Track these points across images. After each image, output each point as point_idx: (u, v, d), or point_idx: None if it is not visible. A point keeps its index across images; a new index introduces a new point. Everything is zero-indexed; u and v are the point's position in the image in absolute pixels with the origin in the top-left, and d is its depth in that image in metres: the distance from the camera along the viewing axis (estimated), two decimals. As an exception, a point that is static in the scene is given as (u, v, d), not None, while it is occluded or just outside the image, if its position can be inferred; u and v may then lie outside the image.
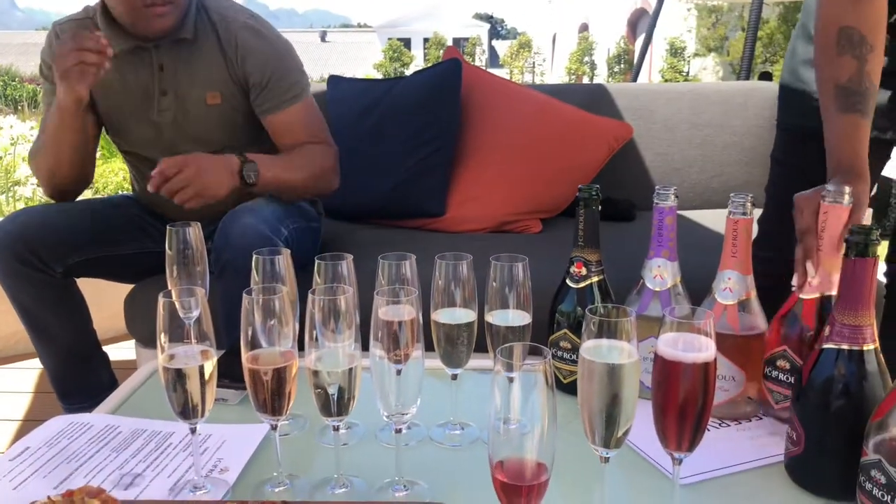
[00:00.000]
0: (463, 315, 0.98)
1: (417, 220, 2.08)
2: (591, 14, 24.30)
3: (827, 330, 0.83)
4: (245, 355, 0.83)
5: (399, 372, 0.88)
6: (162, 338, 0.83)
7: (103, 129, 1.77)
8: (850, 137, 1.14)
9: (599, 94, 2.36)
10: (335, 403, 0.83)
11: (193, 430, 0.86)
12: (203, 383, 0.83)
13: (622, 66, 22.36)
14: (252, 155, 1.60)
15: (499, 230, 2.05)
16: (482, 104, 2.15)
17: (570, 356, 1.10)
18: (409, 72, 16.30)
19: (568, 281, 1.12)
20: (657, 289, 1.07)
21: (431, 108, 2.07)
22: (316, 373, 0.83)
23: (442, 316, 0.98)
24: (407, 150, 2.05)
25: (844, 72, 1.14)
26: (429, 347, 0.98)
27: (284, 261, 1.02)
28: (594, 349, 0.75)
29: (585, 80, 20.35)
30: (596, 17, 23.42)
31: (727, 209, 1.01)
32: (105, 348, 1.77)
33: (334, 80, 2.31)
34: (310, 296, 0.84)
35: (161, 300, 0.83)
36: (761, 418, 1.05)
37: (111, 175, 3.85)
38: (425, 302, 0.95)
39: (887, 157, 1.38)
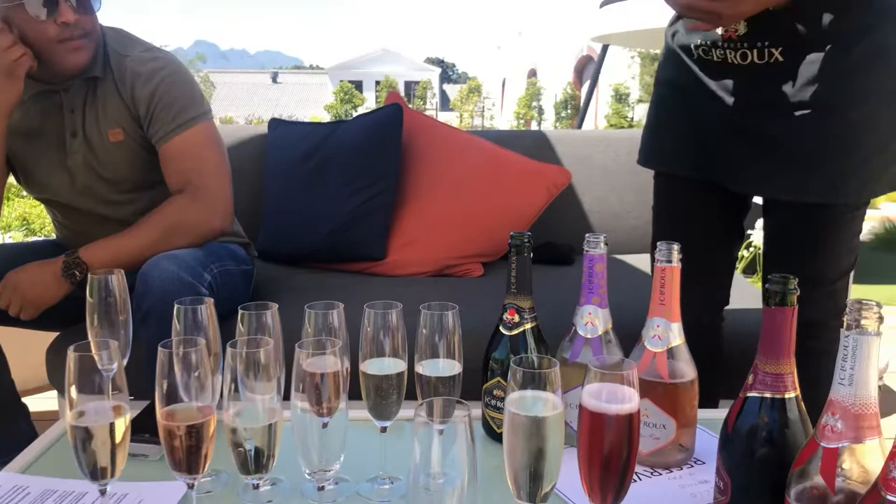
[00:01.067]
0: (392, 365, 0.96)
1: (358, 263, 2.06)
2: (539, 60, 24.90)
3: (750, 378, 0.84)
4: (160, 411, 0.80)
5: (324, 425, 0.85)
6: (72, 392, 0.79)
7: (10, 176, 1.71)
8: None
9: (541, 140, 2.39)
10: (253, 461, 0.80)
11: (103, 492, 0.81)
12: (113, 443, 0.79)
13: (569, 111, 22.88)
14: (87, 247, 1.53)
15: (440, 274, 2.05)
16: (424, 149, 2.16)
17: (504, 405, 1.09)
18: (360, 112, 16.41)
19: (501, 328, 1.11)
20: (589, 336, 1.07)
21: (372, 153, 2.07)
22: (234, 429, 0.80)
23: (370, 367, 0.96)
24: (347, 194, 2.04)
25: None
26: (359, 397, 0.96)
27: (207, 310, 0.99)
28: (519, 401, 0.74)
29: (533, 125, 20.75)
30: (544, 64, 24.01)
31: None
32: (31, 398, 1.69)
33: (275, 123, 2.30)
34: (228, 349, 0.82)
35: (70, 354, 0.79)
36: (693, 466, 1.05)
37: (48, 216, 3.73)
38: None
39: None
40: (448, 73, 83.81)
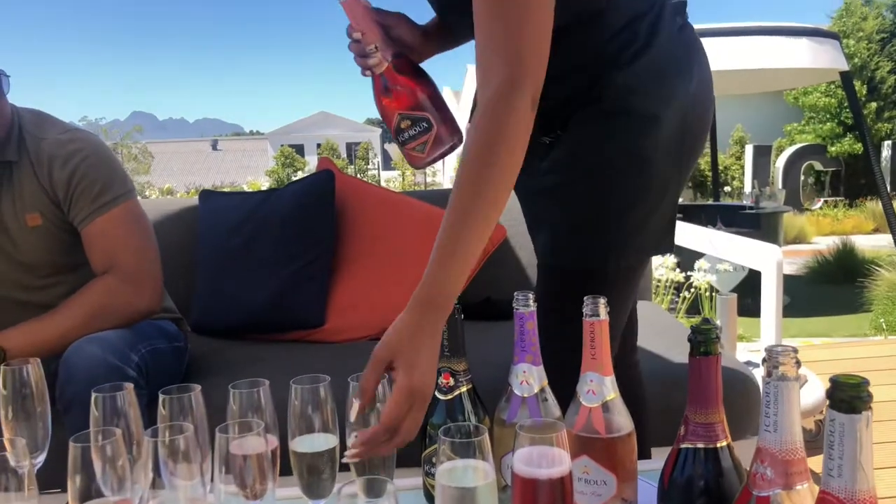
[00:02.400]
0: (323, 441, 0.93)
1: (296, 332, 2.02)
2: (476, 116, 25.42)
3: (682, 430, 0.84)
4: (71, 509, 0.75)
5: (251, 511, 0.81)
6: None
7: None
8: None
9: (474, 196, 2.41)
10: (174, 557, 0.76)
11: None
12: (20, 547, 0.74)
13: (510, 163, 23.08)
14: (4, 332, 1.47)
15: (380, 337, 2.01)
16: (358, 212, 2.15)
17: (443, 472, 1.06)
18: (299, 176, 16.40)
19: (437, 393, 1.09)
20: (524, 395, 1.06)
21: (305, 219, 2.05)
22: (153, 524, 0.76)
23: (300, 444, 0.93)
24: (281, 262, 2.01)
25: None
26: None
27: (127, 396, 0.94)
28: (449, 472, 0.73)
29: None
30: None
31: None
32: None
33: (205, 195, 2.27)
34: (146, 437, 0.78)
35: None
36: (637, 520, 1.03)
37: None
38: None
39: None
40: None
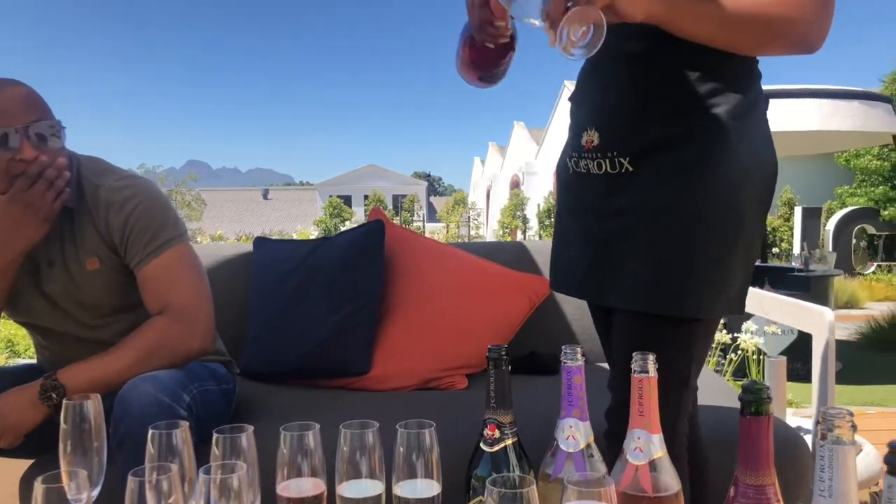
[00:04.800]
0: (370, 487, 0.94)
1: (341, 379, 2.04)
2: (521, 171, 25.59)
3: (732, 491, 0.83)
4: (128, 543, 0.77)
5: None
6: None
7: None
8: None
9: (521, 251, 2.43)
10: None
11: None
12: (78, 578, 0.76)
13: (552, 219, 23.21)
14: (65, 369, 1.52)
15: (424, 387, 2.03)
16: (406, 262, 2.19)
17: (487, 525, 1.06)
18: (347, 226, 16.63)
19: (482, 444, 1.09)
20: (570, 450, 1.05)
21: (355, 268, 2.09)
22: (204, 561, 0.77)
23: (347, 489, 0.94)
24: (330, 309, 2.05)
25: None
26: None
27: (182, 434, 0.97)
28: (497, 523, 0.73)
29: (519, 234, 21.08)
30: (526, 174, 24.66)
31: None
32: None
33: (260, 242, 2.33)
34: (201, 475, 0.80)
35: (37, 486, 0.77)
36: (684, 585, 1.01)
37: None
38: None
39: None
40: (434, 186, 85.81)
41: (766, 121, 1.32)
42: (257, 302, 2.18)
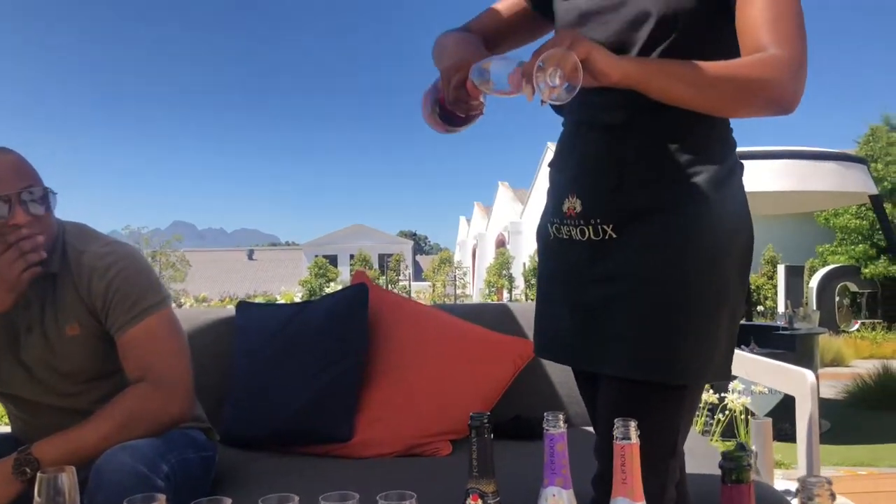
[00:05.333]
0: (348, 561, 0.92)
1: (323, 445, 2.01)
2: (506, 231, 25.77)
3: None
4: None
5: None
6: None
7: None
8: None
9: (504, 313, 2.43)
10: None
11: None
12: None
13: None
14: (40, 442, 1.48)
15: (408, 454, 1.99)
16: (390, 326, 2.18)
17: None
18: (332, 286, 16.58)
19: (465, 514, 1.08)
20: (554, 519, 1.04)
21: (338, 332, 2.08)
22: None
23: (325, 564, 0.91)
24: (312, 375, 2.03)
25: None
26: None
27: (158, 508, 0.95)
28: None
29: (505, 293, 21.07)
30: (511, 233, 24.83)
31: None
32: None
33: (242, 306, 2.33)
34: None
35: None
36: None
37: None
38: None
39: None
40: (421, 245, 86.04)
41: (743, 188, 1.35)
42: (239, 367, 2.16)
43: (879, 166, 14.05)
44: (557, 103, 1.14)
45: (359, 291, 2.14)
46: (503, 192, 28.34)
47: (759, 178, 5.49)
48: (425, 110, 1.40)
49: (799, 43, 1.20)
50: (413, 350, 2.14)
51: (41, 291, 1.62)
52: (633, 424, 1.00)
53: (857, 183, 5.92)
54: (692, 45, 1.26)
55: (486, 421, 1.07)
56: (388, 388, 2.07)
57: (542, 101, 1.10)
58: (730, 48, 1.26)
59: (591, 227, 1.31)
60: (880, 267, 13.82)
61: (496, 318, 2.39)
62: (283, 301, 12.53)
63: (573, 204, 1.34)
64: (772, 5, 1.20)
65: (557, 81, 1.08)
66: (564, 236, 1.37)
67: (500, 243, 26.79)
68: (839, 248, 14.78)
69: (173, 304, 1.76)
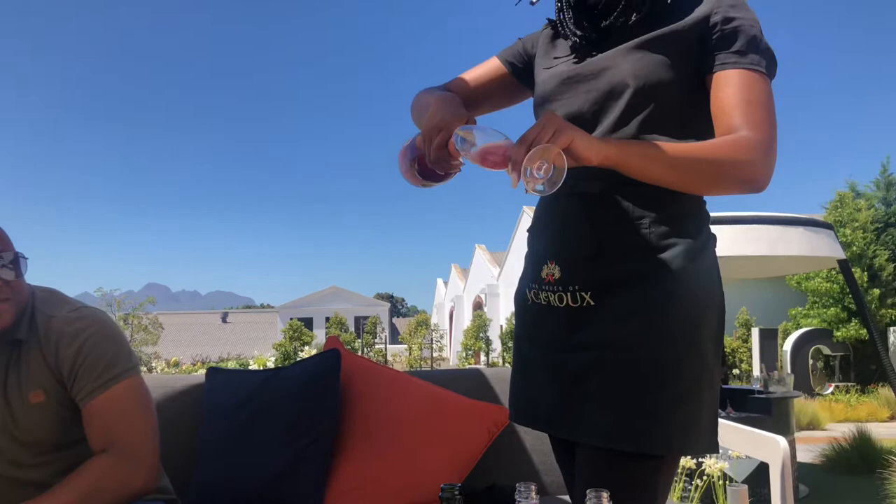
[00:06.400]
0: None
1: (294, 518, 1.95)
2: (483, 293, 25.80)
3: None
4: None
5: None
6: None
7: None
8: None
9: (479, 379, 2.42)
10: None
11: None
12: None
13: (516, 341, 23.06)
14: None
15: (380, 526, 1.94)
16: (363, 393, 2.15)
17: None
18: (306, 350, 16.36)
19: (435, 590, 1.05)
20: None
21: (309, 400, 2.05)
22: None
23: None
24: (282, 444, 1.98)
25: None
26: None
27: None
28: None
29: (482, 356, 20.95)
30: (488, 296, 24.86)
31: None
32: None
33: (213, 372, 2.29)
34: None
35: None
36: None
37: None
38: None
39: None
40: (398, 307, 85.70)
41: (716, 260, 1.38)
42: (208, 435, 2.10)
43: (847, 231, 14.38)
44: (538, 195, 1.17)
45: (331, 358, 2.11)
46: (480, 255, 28.49)
47: (730, 242, 5.59)
48: (403, 165, 1.42)
49: (769, 126, 1.26)
50: (386, 418, 2.11)
51: (6, 357, 1.59)
52: (605, 494, 0.99)
53: (825, 248, 6.04)
54: (668, 117, 1.31)
55: (457, 493, 1.06)
56: (360, 458, 2.03)
57: (526, 191, 1.14)
58: (705, 121, 1.31)
59: (569, 294, 1.32)
60: (852, 330, 14.00)
61: (471, 383, 2.37)
62: (255, 366, 12.35)
63: (552, 270, 1.35)
64: (744, 89, 1.26)
65: (542, 174, 1.12)
66: (542, 302, 1.38)
67: (477, 305, 26.79)
68: (811, 311, 14.97)
69: (143, 369, 1.72)
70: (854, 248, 14.17)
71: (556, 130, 1.13)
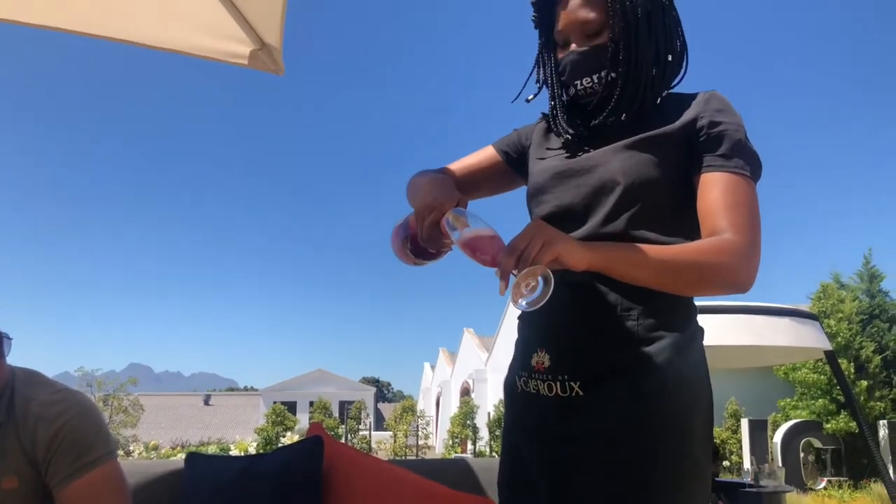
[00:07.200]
0: None
1: None
2: (471, 379, 25.52)
3: None
4: None
5: None
6: None
7: None
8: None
9: (465, 470, 2.38)
10: None
11: None
12: None
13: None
14: None
15: None
16: (345, 483, 2.10)
17: None
18: (289, 436, 15.99)
19: None
20: None
21: (290, 489, 2.00)
22: None
23: None
24: (261, 535, 1.93)
25: None
26: None
27: None
28: None
29: (469, 444, 20.53)
30: (476, 381, 24.59)
31: None
32: None
33: (192, 458, 2.24)
34: None
35: None
36: None
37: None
38: None
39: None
40: (384, 392, 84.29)
41: (703, 353, 1.39)
42: (185, 525, 2.04)
43: (832, 322, 14.40)
44: (523, 309, 1.20)
45: (313, 445, 2.08)
46: (468, 339, 28.35)
47: (717, 331, 5.60)
48: (395, 243, 1.45)
49: (752, 229, 1.29)
50: (368, 508, 2.05)
51: None
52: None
53: (811, 338, 6.05)
54: (657, 214, 1.35)
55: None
56: (340, 551, 1.97)
57: (511, 302, 1.17)
58: (692, 218, 1.34)
59: (558, 383, 1.32)
60: (841, 422, 13.78)
61: (458, 474, 2.33)
62: (236, 451, 12.04)
63: (542, 359, 1.36)
64: (730, 192, 1.30)
65: (528, 291, 1.15)
66: (532, 390, 1.38)
67: (465, 391, 26.44)
68: (800, 403, 14.82)
69: (121, 452, 1.69)
70: (839, 339, 14.17)
71: (545, 243, 1.16)
